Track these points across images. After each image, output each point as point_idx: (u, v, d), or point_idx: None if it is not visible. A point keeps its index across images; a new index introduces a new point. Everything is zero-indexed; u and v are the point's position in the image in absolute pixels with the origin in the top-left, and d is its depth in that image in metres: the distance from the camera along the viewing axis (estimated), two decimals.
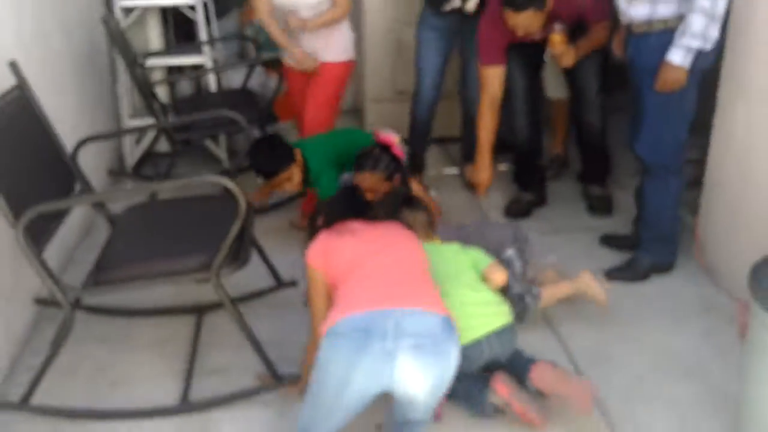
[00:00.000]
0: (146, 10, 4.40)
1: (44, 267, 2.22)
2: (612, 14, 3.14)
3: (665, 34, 2.78)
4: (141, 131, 4.24)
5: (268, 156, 3.19)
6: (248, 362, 2.60)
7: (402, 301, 2.03)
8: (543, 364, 2.37)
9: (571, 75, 3.66)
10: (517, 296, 2.72)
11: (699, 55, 2.73)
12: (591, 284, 2.81)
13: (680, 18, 2.74)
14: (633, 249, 3.23)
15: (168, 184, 3.03)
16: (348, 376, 1.94)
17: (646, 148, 3.00)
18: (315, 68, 3.52)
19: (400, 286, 2.10)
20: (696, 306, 2.97)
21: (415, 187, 3.22)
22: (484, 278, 2.56)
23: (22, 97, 2.48)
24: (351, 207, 2.39)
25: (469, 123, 3.85)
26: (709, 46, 2.72)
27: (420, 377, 1.95)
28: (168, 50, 4.51)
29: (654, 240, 3.14)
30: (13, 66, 2.48)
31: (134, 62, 3.80)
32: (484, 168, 3.54)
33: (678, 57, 2.73)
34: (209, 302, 2.92)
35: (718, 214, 3.10)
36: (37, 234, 2.25)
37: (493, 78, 3.43)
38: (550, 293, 2.80)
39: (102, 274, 2.31)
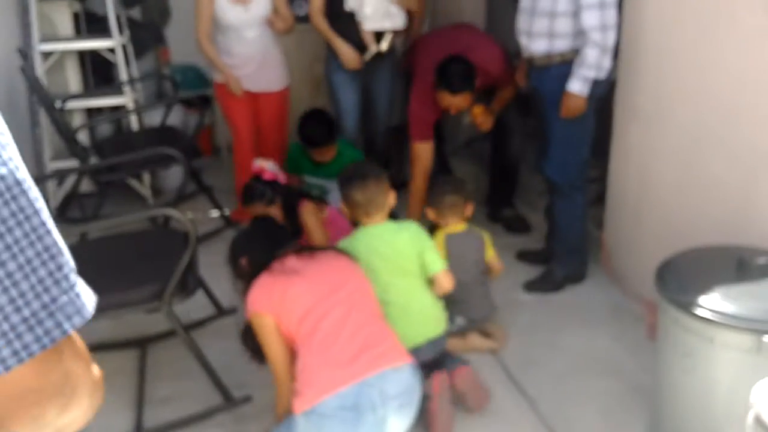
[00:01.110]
0: (64, 53, 4.44)
1: None
2: (515, 48, 3.45)
3: (563, 65, 3.09)
4: (63, 174, 4.25)
5: (322, 128, 3.78)
6: (195, 389, 2.70)
7: (376, 363, 2.07)
8: (465, 369, 2.58)
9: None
10: None
11: (595, 83, 3.05)
12: (478, 343, 2.97)
13: (575, 51, 3.05)
14: (547, 262, 3.51)
15: (116, 220, 3.07)
16: None
17: (554, 170, 3.29)
18: (241, 91, 3.86)
19: (368, 345, 2.12)
20: (607, 311, 3.26)
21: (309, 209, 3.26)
22: (431, 281, 2.61)
23: None
24: (271, 239, 2.38)
25: (373, 155, 4.11)
26: (603, 74, 3.04)
27: (404, 424, 2.11)
28: (88, 92, 4.55)
29: (566, 253, 3.43)
30: None
31: (52, 107, 3.83)
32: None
33: (577, 86, 3.04)
34: (152, 334, 3.00)
35: (621, 226, 3.42)
36: None
37: (425, 152, 3.70)
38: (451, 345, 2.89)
39: None
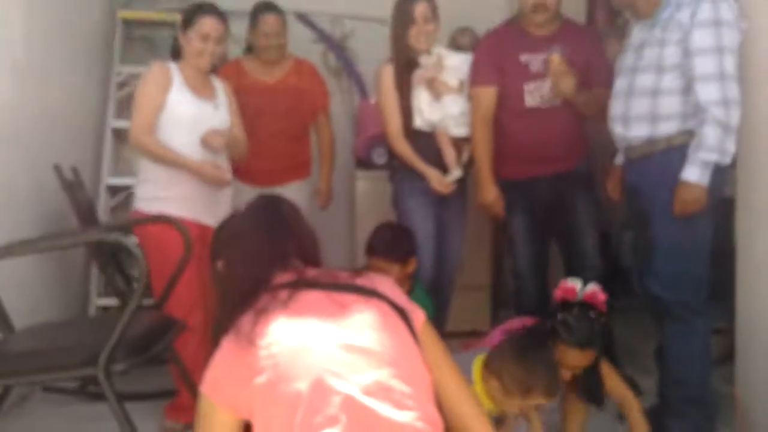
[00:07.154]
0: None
1: None
2: (603, 155, 2.94)
3: (669, 152, 2.55)
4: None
5: (390, 241, 3.00)
6: None
7: None
8: None
9: None
10: None
11: (715, 172, 2.45)
12: None
13: (684, 134, 2.52)
14: (660, 420, 2.62)
15: (47, 243, 2.61)
16: None
17: (662, 285, 2.58)
18: None
19: None
20: None
21: None
22: None
23: None
24: (275, 233, 1.53)
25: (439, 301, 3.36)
26: (727, 159, 2.45)
27: None
28: None
29: (685, 402, 2.58)
30: None
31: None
32: (488, 186, 3.16)
33: (695, 174, 2.45)
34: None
35: (758, 374, 2.57)
36: None
37: (485, 97, 3.13)
38: None
39: None
